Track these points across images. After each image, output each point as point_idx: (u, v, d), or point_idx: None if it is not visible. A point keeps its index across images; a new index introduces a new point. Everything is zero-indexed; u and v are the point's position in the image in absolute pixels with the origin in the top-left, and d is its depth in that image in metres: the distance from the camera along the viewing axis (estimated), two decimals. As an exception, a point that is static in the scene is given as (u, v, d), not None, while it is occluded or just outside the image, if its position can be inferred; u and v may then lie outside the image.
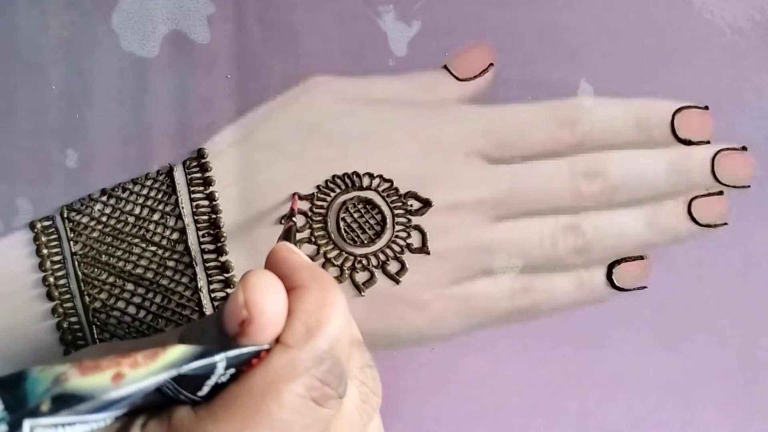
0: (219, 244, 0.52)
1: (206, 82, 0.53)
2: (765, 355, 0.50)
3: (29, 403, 0.27)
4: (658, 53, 0.52)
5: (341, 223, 0.52)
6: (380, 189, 0.52)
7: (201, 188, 0.53)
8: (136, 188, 0.53)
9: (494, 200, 0.52)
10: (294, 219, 0.49)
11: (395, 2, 0.53)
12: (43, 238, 0.53)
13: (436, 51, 0.53)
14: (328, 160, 0.52)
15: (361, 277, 0.52)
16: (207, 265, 0.52)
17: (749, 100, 0.51)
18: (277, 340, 0.34)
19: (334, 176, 0.52)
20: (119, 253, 0.53)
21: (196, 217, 0.53)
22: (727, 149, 0.51)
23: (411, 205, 0.52)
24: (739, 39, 0.52)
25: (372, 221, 0.52)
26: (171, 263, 0.52)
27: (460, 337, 0.51)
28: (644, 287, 0.51)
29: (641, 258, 0.51)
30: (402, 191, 0.52)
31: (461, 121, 0.52)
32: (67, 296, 0.52)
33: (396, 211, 0.52)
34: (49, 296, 0.52)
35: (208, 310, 0.52)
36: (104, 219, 0.53)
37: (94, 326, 0.52)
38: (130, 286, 0.52)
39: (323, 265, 0.52)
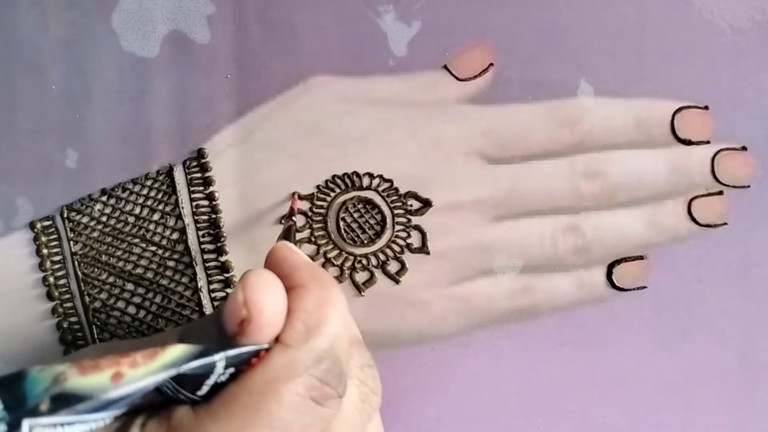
0: (219, 244, 0.52)
1: (206, 82, 0.53)
2: (765, 355, 0.50)
3: (28, 403, 0.27)
4: (658, 53, 0.52)
5: (341, 223, 0.52)
6: (380, 189, 0.52)
7: (201, 188, 0.53)
8: (136, 188, 0.53)
9: (494, 200, 0.52)
10: (294, 218, 0.49)
11: (395, 2, 0.53)
12: (43, 238, 0.53)
13: (436, 51, 0.53)
14: (328, 160, 0.52)
15: (361, 277, 0.52)
16: (207, 265, 0.52)
17: (749, 100, 0.51)
18: (277, 340, 0.34)
19: (334, 176, 0.52)
20: (119, 253, 0.53)
21: (196, 217, 0.53)
22: (727, 149, 0.51)
23: (411, 205, 0.52)
24: (739, 39, 0.52)
25: (372, 221, 0.52)
26: (171, 263, 0.52)
27: (460, 337, 0.51)
28: (644, 287, 0.51)
29: (641, 258, 0.51)
30: (402, 191, 0.52)
31: (461, 121, 0.52)
32: (67, 296, 0.52)
33: (396, 211, 0.52)
34: (49, 296, 0.52)
35: (208, 310, 0.52)
36: (104, 219, 0.53)
37: (94, 326, 0.52)
38: (130, 286, 0.52)
39: (323, 265, 0.52)
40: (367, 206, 0.52)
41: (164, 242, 0.53)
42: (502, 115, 0.52)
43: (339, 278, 0.52)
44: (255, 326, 0.33)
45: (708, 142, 0.51)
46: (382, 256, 0.52)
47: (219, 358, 0.31)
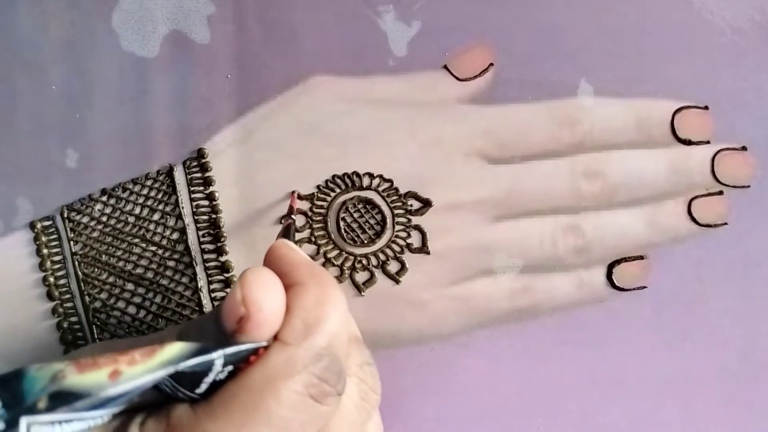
0: (219, 244, 0.52)
1: (206, 82, 0.53)
2: (765, 355, 0.50)
3: (27, 401, 0.27)
4: (658, 53, 0.52)
5: (341, 223, 0.52)
6: (380, 189, 0.52)
7: (201, 188, 0.53)
8: (136, 188, 0.53)
9: (494, 200, 0.52)
10: (293, 216, 0.49)
11: (395, 2, 0.53)
12: (43, 238, 0.53)
13: (436, 51, 0.53)
14: (328, 160, 0.52)
15: (361, 277, 0.52)
16: (207, 265, 0.52)
17: (749, 100, 0.51)
18: (276, 338, 0.34)
19: (334, 176, 0.52)
20: (119, 253, 0.53)
21: (196, 217, 0.53)
22: (727, 149, 0.51)
23: (411, 205, 0.52)
24: (739, 39, 0.52)
25: (372, 221, 0.52)
26: (171, 263, 0.52)
27: (460, 337, 0.51)
28: (644, 287, 0.51)
29: (641, 258, 0.51)
30: (402, 191, 0.52)
31: (461, 121, 0.52)
32: (67, 296, 0.52)
33: (396, 211, 0.52)
34: (49, 296, 0.52)
35: (208, 310, 0.52)
36: (104, 219, 0.53)
37: (94, 326, 0.52)
38: (130, 286, 0.52)
39: (323, 265, 0.52)
40: (367, 206, 0.52)
41: (164, 242, 0.53)
42: (502, 115, 0.52)
43: (339, 278, 0.52)
44: (253, 324, 0.33)
45: (708, 142, 0.51)
46: (382, 256, 0.52)
47: (217, 356, 0.31)
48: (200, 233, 0.52)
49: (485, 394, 0.51)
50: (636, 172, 0.52)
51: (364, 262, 0.52)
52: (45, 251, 0.52)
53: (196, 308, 0.52)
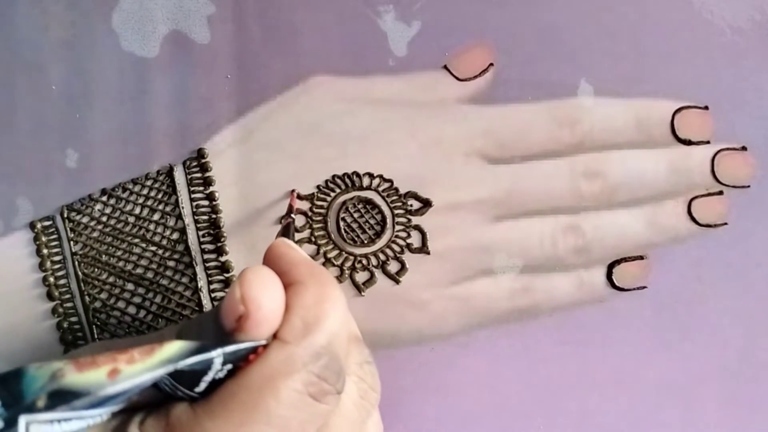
0: (219, 244, 0.52)
1: (206, 82, 0.53)
2: (765, 355, 0.50)
3: (26, 400, 0.27)
4: (658, 53, 0.52)
5: (341, 223, 0.52)
6: (380, 189, 0.52)
7: (201, 188, 0.53)
8: (136, 188, 0.53)
9: (494, 200, 0.52)
10: (292, 215, 0.49)
11: (395, 2, 0.53)
12: (43, 238, 0.53)
13: (436, 51, 0.53)
14: (328, 160, 0.52)
15: (361, 277, 0.52)
16: (207, 265, 0.52)
17: (749, 100, 0.51)
18: (275, 336, 0.34)
19: (334, 176, 0.52)
20: (119, 253, 0.53)
21: (196, 217, 0.53)
22: (727, 149, 0.51)
23: (411, 205, 0.52)
24: (739, 39, 0.52)
25: (372, 221, 0.52)
26: (171, 263, 0.52)
27: (460, 337, 0.51)
28: (644, 287, 0.51)
29: (641, 258, 0.51)
30: (402, 191, 0.52)
31: (461, 121, 0.52)
32: (67, 296, 0.52)
33: (396, 211, 0.52)
34: (49, 296, 0.52)
35: (208, 310, 0.52)
36: (104, 219, 0.53)
37: (94, 326, 0.52)
38: (130, 286, 0.52)
39: (323, 265, 0.52)
40: (367, 206, 0.52)
41: (164, 242, 0.53)
42: (502, 115, 0.52)
43: (339, 278, 0.52)
44: (252, 322, 0.33)
45: (708, 142, 0.51)
46: (382, 256, 0.52)
47: (216, 355, 0.31)
48: (200, 233, 0.52)
49: (485, 394, 0.51)
50: (636, 172, 0.52)
51: (364, 262, 0.52)
52: (45, 251, 0.52)
53: (196, 308, 0.52)
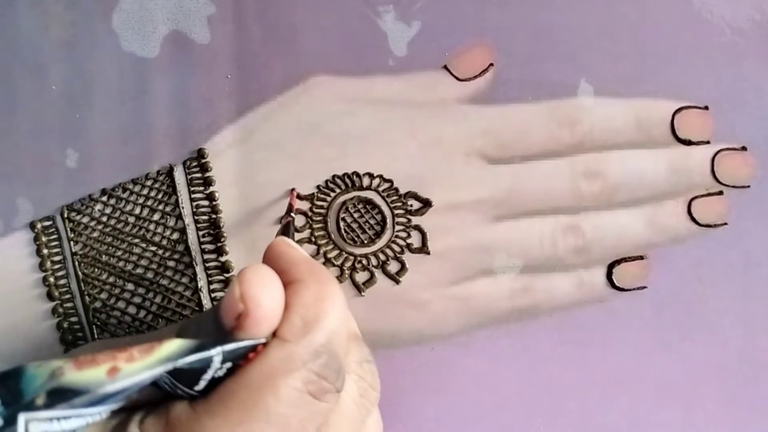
0: (219, 244, 0.52)
1: (206, 82, 0.53)
2: (765, 355, 0.50)
3: (25, 398, 0.27)
4: (658, 53, 0.52)
5: (341, 223, 0.52)
6: (380, 189, 0.52)
7: (201, 188, 0.53)
8: (136, 188, 0.53)
9: (494, 200, 0.52)
10: (292, 214, 0.49)
11: (395, 2, 0.53)
12: (44, 238, 0.53)
13: (436, 51, 0.53)
14: (328, 160, 0.52)
15: (361, 277, 0.52)
16: (207, 265, 0.52)
17: (749, 100, 0.51)
18: (274, 335, 0.34)
19: (334, 176, 0.52)
20: (119, 253, 0.53)
21: (196, 217, 0.53)
22: (727, 149, 0.51)
23: (411, 205, 0.52)
24: (739, 39, 0.52)
25: (372, 221, 0.52)
26: (171, 263, 0.52)
27: (460, 337, 0.51)
28: (644, 287, 0.51)
29: (641, 258, 0.51)
30: (402, 191, 0.52)
31: (461, 121, 0.52)
32: (68, 296, 0.52)
33: (396, 211, 0.52)
34: (50, 296, 0.52)
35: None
36: (104, 219, 0.53)
37: (94, 326, 0.52)
38: (130, 286, 0.52)
39: (323, 265, 0.52)
40: (367, 206, 0.52)
41: (164, 242, 0.53)
42: (502, 115, 0.52)
43: (339, 278, 0.52)
44: (252, 320, 0.33)
45: (708, 142, 0.51)
46: (382, 256, 0.52)
47: (215, 353, 0.31)
48: (200, 233, 0.52)
49: (485, 394, 0.51)
50: (636, 172, 0.52)
51: (364, 262, 0.52)
52: (45, 251, 0.52)
53: (196, 308, 0.52)
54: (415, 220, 0.52)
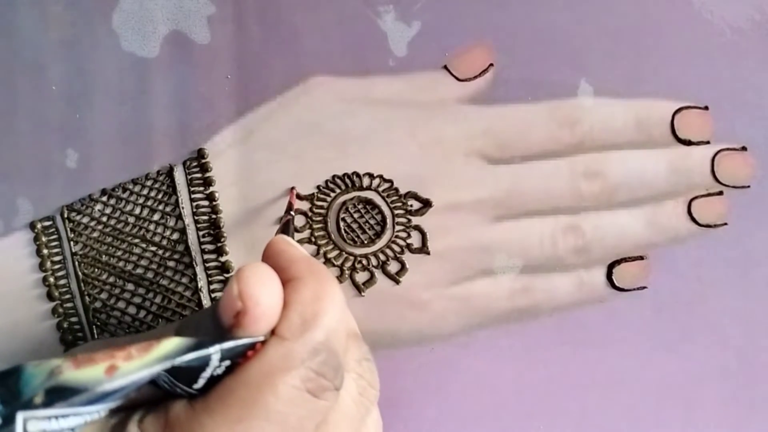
0: (219, 244, 0.52)
1: (206, 82, 0.53)
2: (765, 355, 0.50)
3: (23, 396, 0.27)
4: (658, 53, 0.52)
5: (341, 224, 0.52)
6: (380, 189, 0.52)
7: (201, 188, 0.53)
8: (136, 188, 0.53)
9: (494, 200, 0.52)
10: (291, 212, 0.49)
11: (395, 2, 0.53)
12: (44, 238, 0.53)
13: (436, 51, 0.53)
14: (328, 160, 0.52)
15: (361, 277, 0.52)
16: (207, 265, 0.52)
17: (749, 100, 0.51)
18: (273, 332, 0.34)
19: (334, 176, 0.52)
20: (119, 253, 0.53)
21: (196, 217, 0.53)
22: (727, 149, 0.51)
23: (411, 205, 0.52)
24: (739, 39, 0.52)
25: (372, 221, 0.52)
26: (171, 263, 0.52)
27: (460, 337, 0.51)
28: (644, 287, 0.51)
29: (641, 258, 0.51)
30: (402, 191, 0.52)
31: (461, 121, 0.52)
32: (68, 296, 0.52)
33: (396, 212, 0.52)
34: (50, 296, 0.52)
35: (208, 309, 0.52)
36: (104, 219, 0.53)
37: (94, 326, 0.52)
38: (130, 286, 0.52)
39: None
40: (367, 206, 0.52)
41: (164, 242, 0.53)
42: (502, 115, 0.52)
43: (339, 278, 0.52)
44: (250, 318, 0.33)
45: (708, 143, 0.51)
46: (382, 257, 0.52)
47: (214, 351, 0.31)
48: (200, 233, 0.52)
49: (485, 394, 0.51)
50: (636, 172, 0.52)
51: (364, 262, 0.52)
52: (45, 251, 0.52)
53: (196, 308, 0.52)
54: (415, 220, 0.52)
